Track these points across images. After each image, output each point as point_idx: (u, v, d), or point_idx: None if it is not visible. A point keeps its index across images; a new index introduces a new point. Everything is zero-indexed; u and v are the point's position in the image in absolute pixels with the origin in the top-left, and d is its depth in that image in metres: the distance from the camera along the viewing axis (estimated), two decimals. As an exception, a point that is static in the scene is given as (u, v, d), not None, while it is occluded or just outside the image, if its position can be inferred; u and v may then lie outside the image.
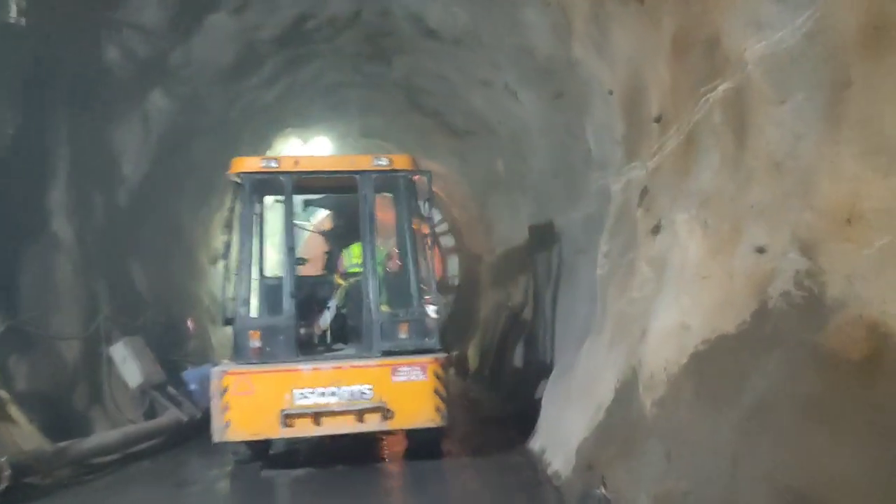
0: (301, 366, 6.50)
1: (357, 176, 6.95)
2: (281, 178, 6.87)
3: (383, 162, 6.97)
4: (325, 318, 7.64)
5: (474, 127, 12.24)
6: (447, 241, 19.10)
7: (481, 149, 12.88)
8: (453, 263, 19.66)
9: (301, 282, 8.32)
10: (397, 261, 8.04)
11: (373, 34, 10.61)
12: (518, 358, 10.85)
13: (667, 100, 5.44)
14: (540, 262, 10.49)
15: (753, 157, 4.45)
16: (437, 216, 19.00)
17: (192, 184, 12.12)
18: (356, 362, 6.57)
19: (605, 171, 7.42)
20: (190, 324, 11.11)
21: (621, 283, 6.02)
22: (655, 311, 5.17)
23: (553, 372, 8.32)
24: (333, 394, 6.45)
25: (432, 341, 6.73)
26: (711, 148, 4.88)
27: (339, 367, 6.51)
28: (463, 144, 14.09)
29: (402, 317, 6.76)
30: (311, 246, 11.86)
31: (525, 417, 8.52)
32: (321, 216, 12.61)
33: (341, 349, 7.30)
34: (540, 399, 8.38)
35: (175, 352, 10.32)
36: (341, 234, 8.68)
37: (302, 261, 9.74)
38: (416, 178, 7.15)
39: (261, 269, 8.18)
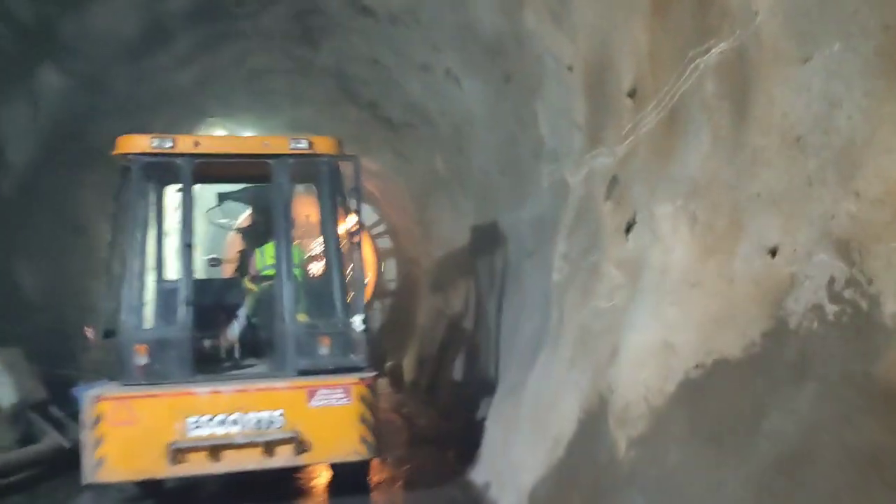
0: (196, 388, 5.27)
1: (271, 161, 5.77)
2: (178, 161, 5.64)
3: (302, 145, 5.80)
4: (234, 330, 6.42)
5: (412, 119, 11.14)
6: (384, 244, 17.93)
7: (420, 143, 11.79)
8: (390, 267, 18.50)
9: (206, 286, 7.07)
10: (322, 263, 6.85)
11: (300, 12, 9.42)
12: (458, 371, 9.77)
13: (643, 70, 4.44)
14: (483, 266, 9.44)
15: (761, 133, 3.47)
16: (374, 215, 17.83)
17: (97, 175, 10.66)
18: (265, 383, 5.37)
19: (561, 163, 6.41)
20: (88, 332, 9.65)
21: (583, 289, 4.99)
22: (629, 324, 4.15)
23: (498, 390, 7.26)
24: (236, 422, 5.24)
25: (358, 358, 5.60)
26: (702, 125, 3.89)
27: (244, 390, 5.31)
28: (400, 139, 12.97)
29: (322, 329, 5.60)
30: (235, 247, 10.56)
31: (465, 439, 7.44)
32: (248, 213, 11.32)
33: (252, 366, 6.09)
34: (482, 420, 7.31)
35: (67, 365, 8.87)
36: (261, 232, 7.45)
37: (217, 262, 8.44)
38: (340, 164, 6.02)
39: (160, 272, 6.89)
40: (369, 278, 16.73)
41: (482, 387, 8.22)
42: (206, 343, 6.59)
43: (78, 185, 10.26)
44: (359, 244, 5.79)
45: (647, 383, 3.79)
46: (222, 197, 7.83)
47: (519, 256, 8.07)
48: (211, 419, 5.20)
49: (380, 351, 15.84)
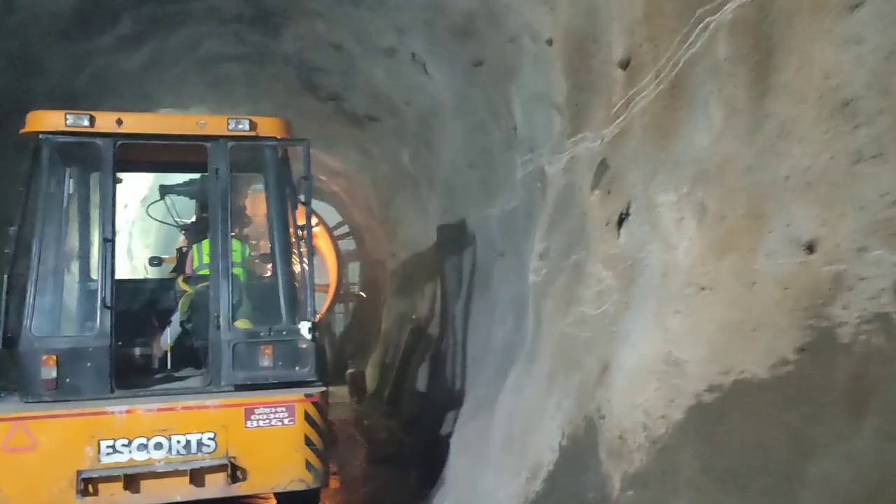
0: (112, 406, 4.45)
1: (207, 145, 4.98)
2: (98, 142, 4.82)
3: (243, 126, 5.01)
4: (166, 338, 5.60)
5: (377, 111, 10.38)
6: (347, 245, 17.12)
7: (385, 138, 11.04)
8: (355, 270, 17.69)
9: (138, 288, 6.24)
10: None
11: (255, -9, 8.62)
12: (422, 380, 9.02)
13: (639, 36, 3.75)
14: (450, 268, 8.71)
15: (790, 101, 2.80)
16: (337, 216, 17.00)
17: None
18: (194, 401, 4.58)
19: (537, 152, 5.71)
20: None
21: (565, 293, 4.28)
22: (623, 335, 3.45)
23: (465, 404, 6.53)
24: (159, 446, 4.44)
25: (305, 371, 4.83)
26: (711, 96, 3.21)
27: (169, 408, 4.50)
28: (365, 134, 12.20)
29: (264, 337, 4.82)
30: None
31: (428, 459, 6.70)
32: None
33: (188, 379, 5.28)
34: (447, 437, 6.58)
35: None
36: (205, 229, 6.61)
37: (158, 261, 7.58)
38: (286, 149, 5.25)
39: (83, 272, 6.03)
40: (332, 281, 15.92)
41: (448, 399, 7.49)
42: (137, 353, 5.76)
43: (10, 177, 9.31)
44: (309, 240, 5.04)
45: (646, 408, 3.09)
46: (165, 190, 6.98)
47: (488, 257, 7.35)
48: (129, 443, 4.39)
49: (341, 358, 15.06)
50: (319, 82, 11.15)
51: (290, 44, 10.04)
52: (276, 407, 4.61)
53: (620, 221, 3.72)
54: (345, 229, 16.96)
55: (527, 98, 5.88)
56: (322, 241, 16.39)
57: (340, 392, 12.48)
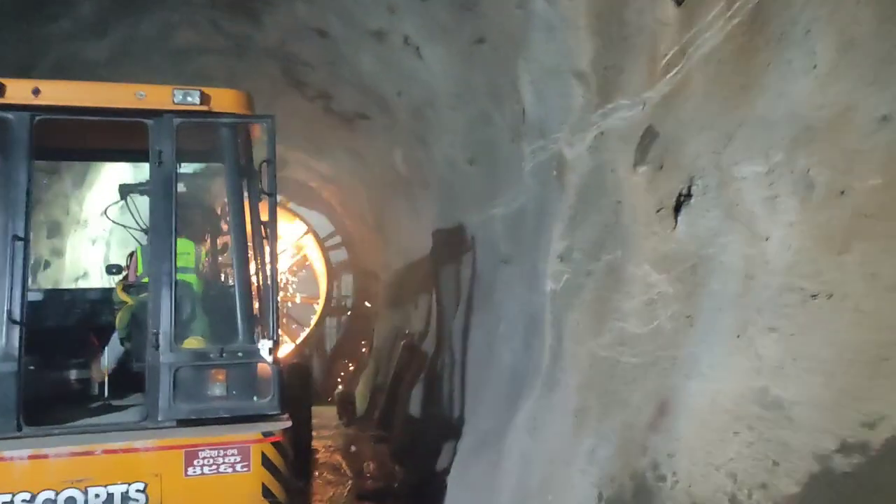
0: (11, 451, 3.42)
1: (148, 121, 3.99)
2: (9, 117, 3.82)
3: (193, 98, 4.02)
4: (105, 359, 4.58)
5: (367, 107, 9.41)
6: (339, 256, 16.10)
7: (376, 137, 10.06)
8: (347, 282, 16.64)
9: (76, 300, 5.23)
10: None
11: (231, -30, 7.69)
12: (415, 404, 7.98)
13: (699, -43, 2.77)
14: (446, 278, 7.70)
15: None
16: (328, 225, 15.97)
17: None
18: (120, 442, 3.55)
19: (551, 137, 4.73)
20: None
21: (596, 304, 3.28)
22: (689, 361, 2.45)
23: (464, 437, 5.51)
24: (72, 502, 3.42)
25: (265, 402, 3.79)
26: (816, 24, 2.23)
27: (86, 453, 3.49)
28: (355, 136, 11.22)
29: (214, 359, 3.79)
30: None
31: (421, 496, 5.68)
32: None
33: (126, 410, 4.24)
34: (444, 473, 5.56)
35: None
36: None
37: (116, 269, 6.54)
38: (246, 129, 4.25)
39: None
40: (322, 294, 14.89)
41: (444, 427, 6.45)
42: (72, 377, 4.73)
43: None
44: (273, 240, 4.02)
45: (734, 471, 2.09)
46: (125, 189, 5.97)
47: (491, 264, 6.35)
48: (31, 499, 3.37)
49: (332, 376, 14.00)
50: (305, 78, 10.19)
51: (272, 33, 9.08)
52: (225, 449, 3.57)
53: (678, 206, 2.73)
54: (337, 239, 15.95)
55: (538, 74, 4.89)
56: (312, 252, 15.41)
57: (329, 413, 11.43)
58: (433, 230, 8.29)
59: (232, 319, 3.97)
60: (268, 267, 4.10)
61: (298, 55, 9.42)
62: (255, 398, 3.84)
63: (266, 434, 3.66)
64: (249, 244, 4.21)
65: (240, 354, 3.86)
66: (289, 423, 3.83)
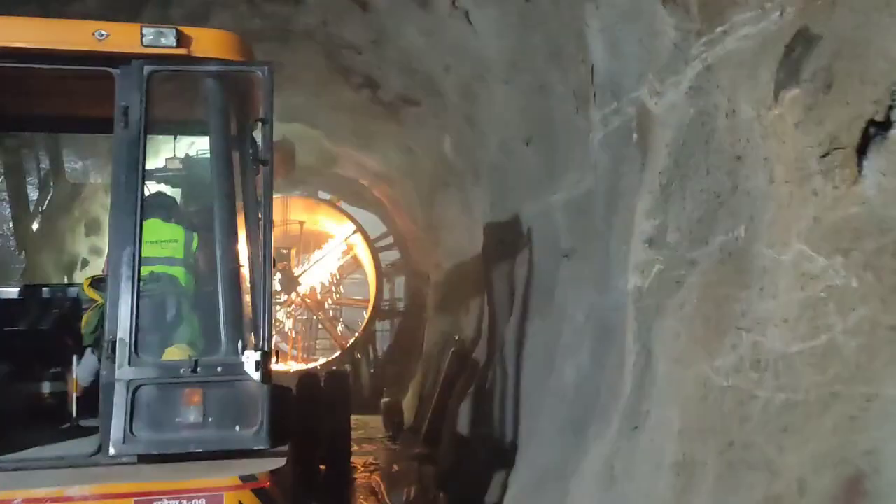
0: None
1: (114, 70, 3.07)
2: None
3: (168, 40, 3.08)
4: (81, 369, 3.70)
5: (413, 90, 8.45)
6: (391, 257, 15.20)
7: (425, 125, 9.10)
8: (400, 284, 15.69)
9: (50, 298, 4.39)
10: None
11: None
12: (464, 420, 6.93)
13: None
14: (499, 278, 6.65)
15: None
16: (381, 226, 15.06)
17: None
18: (50, 486, 2.61)
19: (628, 96, 3.66)
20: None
21: (708, 306, 2.18)
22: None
23: (518, 471, 4.45)
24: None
25: (250, 433, 2.81)
26: None
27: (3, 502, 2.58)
28: (403, 128, 10.29)
29: (185, 374, 2.84)
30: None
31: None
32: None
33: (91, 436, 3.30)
34: (494, 510, 4.50)
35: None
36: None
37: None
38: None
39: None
40: (372, 295, 13.98)
41: (495, 454, 5.40)
42: (45, 391, 3.86)
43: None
44: (268, 222, 3.04)
45: None
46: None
47: (550, 260, 5.28)
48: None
49: (381, 382, 13.05)
50: (350, 63, 9.32)
51: (312, 10, 8.24)
52: (189, 499, 2.61)
53: (864, 144, 1.60)
54: (389, 240, 15.03)
55: (612, 19, 3.81)
56: (362, 253, 14.56)
57: (375, 423, 10.49)
58: (485, 224, 7.24)
59: (214, 322, 3.01)
60: (261, 257, 3.12)
61: (341, 36, 8.56)
62: (237, 427, 2.87)
63: (245, 479, 2.67)
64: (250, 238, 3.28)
65: (219, 369, 2.89)
66: (281, 462, 2.83)
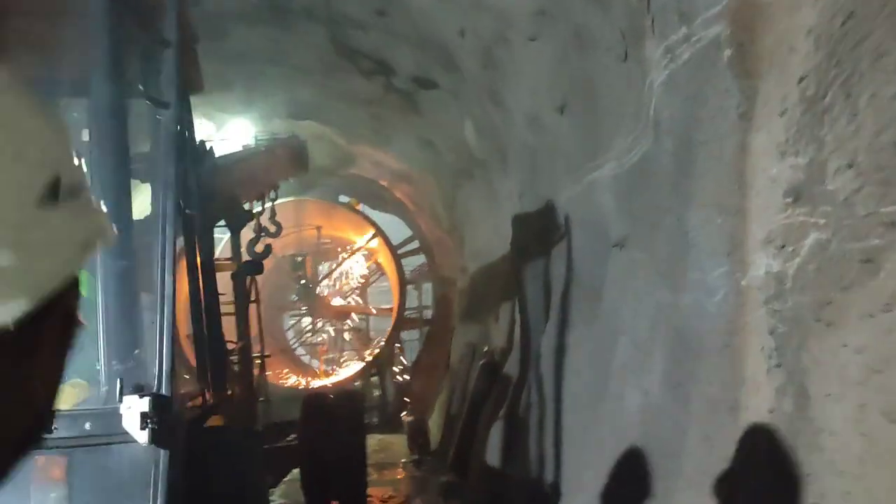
0: None
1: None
2: None
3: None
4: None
5: (428, 65, 7.40)
6: (416, 262, 14.11)
7: (444, 110, 8.03)
8: (427, 291, 14.57)
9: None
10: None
11: None
12: (494, 447, 5.79)
13: None
14: (532, 279, 5.51)
15: None
16: (405, 229, 13.87)
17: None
18: None
19: (705, 15, 2.48)
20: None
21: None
22: None
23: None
24: None
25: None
26: None
27: None
28: (422, 118, 9.23)
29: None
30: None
31: None
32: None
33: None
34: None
35: None
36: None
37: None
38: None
39: None
40: (395, 304, 12.90)
41: (533, 491, 4.25)
42: None
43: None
44: (162, 191, 1.95)
45: None
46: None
47: (595, 252, 4.14)
48: None
49: (407, 397, 11.94)
50: (358, 44, 8.31)
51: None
52: None
53: None
54: (414, 244, 13.94)
55: None
56: (383, 258, 13.50)
57: (399, 442, 9.37)
58: (513, 218, 6.10)
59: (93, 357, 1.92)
60: (166, 246, 2.03)
61: (345, 13, 7.55)
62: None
63: None
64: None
65: (87, 426, 1.79)
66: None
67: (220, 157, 5.61)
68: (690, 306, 2.47)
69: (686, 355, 2.43)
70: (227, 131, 10.71)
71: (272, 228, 6.69)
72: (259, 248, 6.31)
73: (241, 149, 7.44)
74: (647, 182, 3.32)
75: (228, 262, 5.84)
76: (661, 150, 3.11)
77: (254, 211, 6.50)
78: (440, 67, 7.10)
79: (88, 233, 0.61)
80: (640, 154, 3.45)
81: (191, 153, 2.68)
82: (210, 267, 3.64)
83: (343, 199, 14.28)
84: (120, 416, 1.77)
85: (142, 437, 1.76)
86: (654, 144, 3.23)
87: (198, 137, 4.13)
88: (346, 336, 16.19)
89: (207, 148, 4.88)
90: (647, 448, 2.51)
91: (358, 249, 14.04)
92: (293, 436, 5.39)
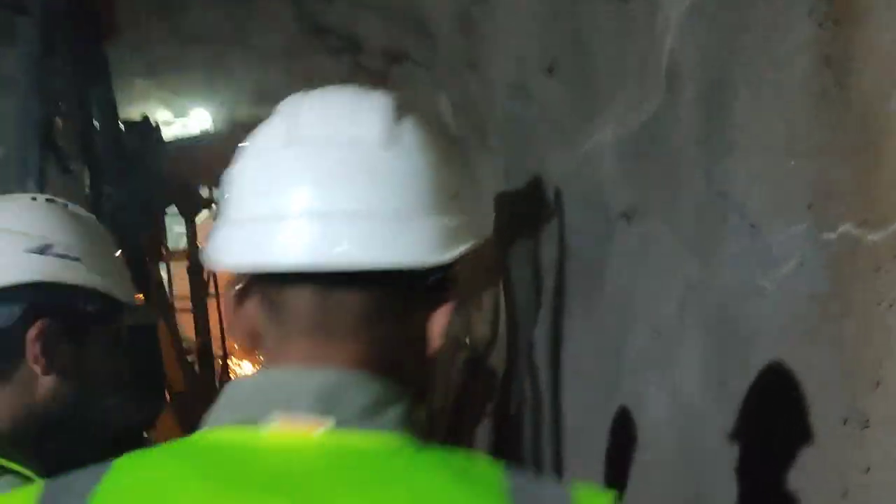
0: None
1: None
2: None
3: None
4: None
5: (398, 37, 6.84)
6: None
7: (416, 85, 7.45)
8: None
9: None
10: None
11: None
12: (483, 448, 5.26)
13: None
14: (519, 262, 4.99)
15: None
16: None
17: None
18: None
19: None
20: None
21: None
22: None
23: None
24: None
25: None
26: None
27: None
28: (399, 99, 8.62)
29: None
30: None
31: None
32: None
33: None
34: None
35: None
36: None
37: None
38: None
39: None
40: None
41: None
42: None
43: None
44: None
45: None
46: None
47: (593, 228, 3.62)
48: None
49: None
50: (324, 19, 7.78)
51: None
52: None
53: None
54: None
55: None
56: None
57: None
58: (495, 197, 5.55)
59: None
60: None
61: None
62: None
63: None
64: None
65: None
66: None
67: (174, 140, 5.10)
68: (733, 283, 1.94)
69: (732, 347, 1.91)
70: (189, 119, 10.09)
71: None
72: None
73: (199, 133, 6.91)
74: (661, 142, 2.79)
75: (183, 252, 5.27)
76: (679, 102, 2.59)
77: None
78: (411, 36, 6.53)
79: None
80: (649, 112, 2.92)
81: (107, 115, 2.11)
82: (153, 255, 3.08)
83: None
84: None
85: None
86: (669, 95, 2.70)
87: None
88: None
89: (153, 125, 4.37)
90: (686, 463, 1.99)
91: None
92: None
